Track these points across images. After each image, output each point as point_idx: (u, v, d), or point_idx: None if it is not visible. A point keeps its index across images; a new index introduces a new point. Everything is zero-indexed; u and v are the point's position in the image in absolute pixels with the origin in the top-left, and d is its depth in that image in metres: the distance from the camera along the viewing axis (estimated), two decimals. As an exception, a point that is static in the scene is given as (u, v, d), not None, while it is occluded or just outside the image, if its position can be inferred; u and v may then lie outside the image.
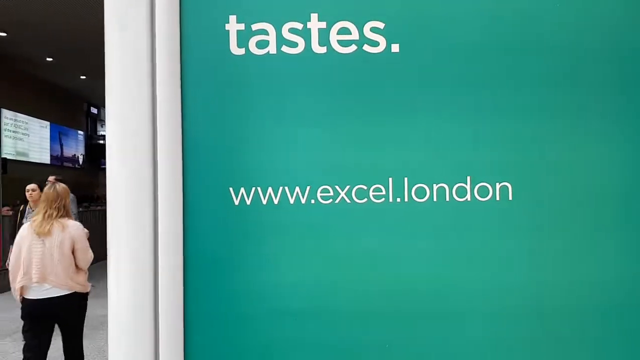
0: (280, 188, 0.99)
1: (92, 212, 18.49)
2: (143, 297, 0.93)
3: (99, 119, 32.32)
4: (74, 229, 3.81)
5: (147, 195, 0.95)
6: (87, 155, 28.42)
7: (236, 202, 0.98)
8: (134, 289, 0.94)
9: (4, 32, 17.63)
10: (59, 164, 26.45)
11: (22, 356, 3.77)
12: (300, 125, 1.02)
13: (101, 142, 30.56)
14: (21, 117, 23.05)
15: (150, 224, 0.94)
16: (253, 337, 0.93)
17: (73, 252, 3.68)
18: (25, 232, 3.72)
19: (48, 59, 20.86)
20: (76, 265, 3.69)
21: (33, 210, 5.67)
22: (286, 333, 0.97)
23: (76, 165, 27.25)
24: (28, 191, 6.60)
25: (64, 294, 3.57)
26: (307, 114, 1.02)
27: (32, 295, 3.59)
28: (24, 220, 6.22)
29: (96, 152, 29.10)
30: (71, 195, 7.32)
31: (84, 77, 23.96)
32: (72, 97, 27.34)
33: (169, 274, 0.94)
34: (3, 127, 22.04)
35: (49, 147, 25.35)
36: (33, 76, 22.84)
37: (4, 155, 21.66)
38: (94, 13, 16.99)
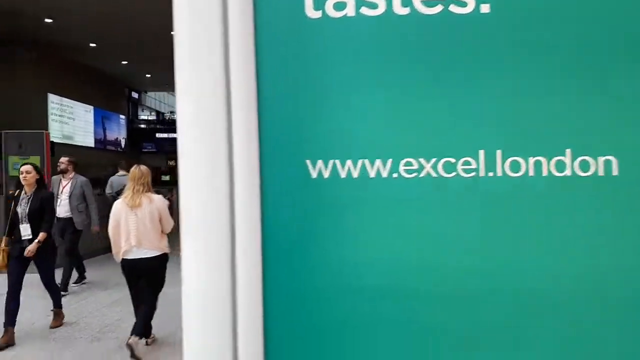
0: (360, 161, 0.91)
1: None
2: (220, 277, 0.88)
3: (140, 103, 32.98)
4: (159, 201, 4.52)
5: (223, 168, 0.90)
6: (128, 139, 29.12)
7: (313, 175, 0.92)
8: (210, 268, 0.89)
9: (50, 18, 18.09)
10: (102, 147, 27.20)
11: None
12: (381, 93, 0.94)
13: (142, 126, 31.28)
14: (66, 101, 23.73)
15: (227, 200, 0.88)
16: (331, 315, 0.87)
17: (159, 220, 4.39)
18: (119, 206, 4.43)
19: (91, 45, 21.33)
20: (161, 231, 4.45)
21: (28, 195, 5.06)
22: (365, 311, 0.90)
23: (118, 149, 27.95)
24: (22, 174, 5.22)
25: (155, 254, 4.34)
26: (389, 81, 0.94)
27: (130, 256, 4.35)
28: (18, 208, 5.17)
29: (137, 135, 29.80)
30: (84, 178, 7.42)
31: (125, 63, 24.44)
32: (114, 82, 27.95)
33: (247, 250, 0.89)
34: (50, 111, 22.76)
35: (92, 131, 26.06)
36: (77, 62, 23.43)
37: (51, 139, 22.34)
38: (133, 2, 17.28)
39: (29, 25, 18.48)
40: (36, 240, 5.25)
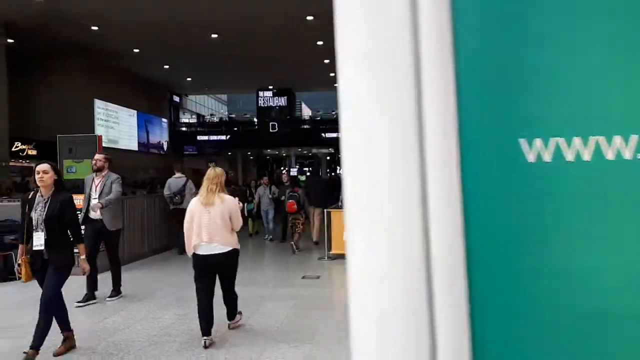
0: (592, 139, 0.67)
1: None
2: (415, 286, 0.65)
3: (181, 107, 33.51)
4: (230, 201, 4.70)
5: (412, 146, 0.67)
6: (170, 142, 29.58)
7: (530, 159, 0.68)
8: (400, 279, 0.66)
9: (96, 26, 18.52)
10: (145, 151, 27.73)
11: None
12: (614, 57, 0.69)
13: (183, 129, 31.75)
14: (112, 106, 24.29)
15: (417, 187, 0.65)
16: (553, 335, 0.63)
17: (230, 219, 4.58)
18: (194, 204, 4.64)
19: (135, 51, 21.74)
20: (232, 229, 4.64)
21: (44, 198, 4.43)
22: (600, 335, 0.66)
23: (161, 152, 28.43)
24: (38, 173, 4.52)
25: (225, 250, 4.52)
26: (621, 42, 0.69)
27: (201, 251, 4.51)
28: (33, 213, 4.51)
29: (179, 138, 30.25)
30: (116, 175, 6.74)
31: (167, 67, 24.83)
32: (156, 86, 28.46)
33: (446, 251, 0.66)
34: (96, 116, 23.33)
35: (136, 135, 26.60)
36: (122, 68, 23.93)
37: (98, 143, 22.91)
38: (177, 5, 17.50)
39: (77, 34, 18.96)
40: (83, 258, 4.74)
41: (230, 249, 4.57)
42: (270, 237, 11.51)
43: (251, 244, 11.11)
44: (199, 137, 30.14)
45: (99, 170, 6.55)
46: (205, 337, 4.50)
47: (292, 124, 29.60)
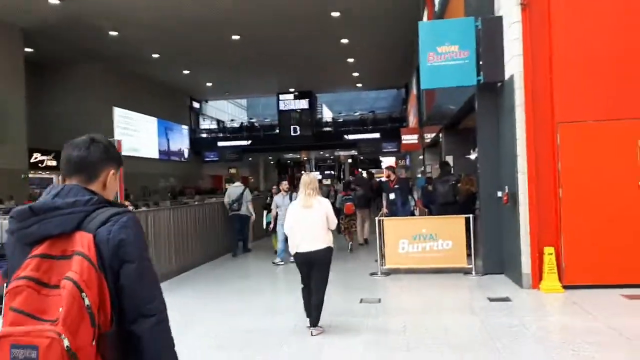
0: None
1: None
2: None
3: (201, 113, 32.63)
4: (325, 203, 5.04)
5: None
6: (191, 149, 28.69)
7: None
8: None
9: (115, 31, 17.67)
10: (166, 158, 26.86)
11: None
12: None
13: (204, 135, 30.85)
14: (131, 114, 23.44)
15: None
16: None
17: (327, 218, 4.91)
18: (295, 208, 5.00)
19: (154, 56, 20.87)
20: (327, 228, 4.96)
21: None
22: None
23: (182, 159, 27.53)
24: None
25: (323, 247, 4.81)
26: None
27: (303, 249, 4.85)
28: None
29: (199, 145, 29.35)
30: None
31: (186, 72, 23.92)
32: (176, 93, 27.54)
33: None
34: (116, 124, 22.51)
35: (157, 142, 25.72)
36: (142, 74, 23.05)
37: (118, 151, 21.99)
38: (197, 7, 16.59)
39: (95, 39, 18.14)
40: None
41: (327, 246, 4.88)
42: (280, 260, 8.81)
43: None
44: (220, 143, 29.21)
45: None
46: (312, 328, 4.79)
47: (313, 127, 28.54)
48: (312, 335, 4.64)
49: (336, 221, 5.06)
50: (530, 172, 5.92)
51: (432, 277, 6.93)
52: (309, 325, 4.78)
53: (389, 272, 7.22)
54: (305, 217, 4.83)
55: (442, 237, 7.00)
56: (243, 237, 10.36)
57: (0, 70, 15.90)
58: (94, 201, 1.40)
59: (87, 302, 1.24)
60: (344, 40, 19.63)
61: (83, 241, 1.32)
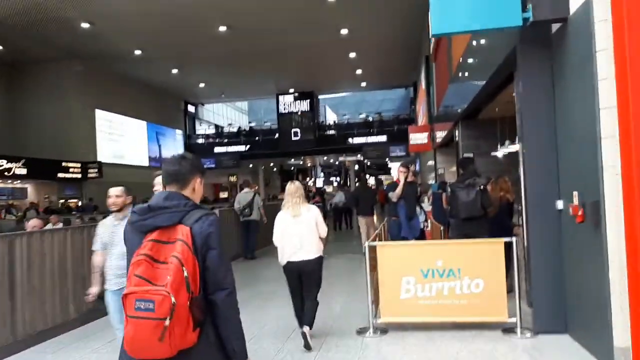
0: None
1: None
2: None
3: (197, 117, 30.23)
4: (314, 210, 4.81)
5: None
6: (186, 155, 26.23)
7: None
8: None
9: (88, 23, 15.36)
10: (157, 165, 24.46)
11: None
12: None
13: (200, 141, 28.43)
14: (116, 117, 21.05)
15: None
16: None
17: (316, 225, 4.68)
18: (282, 217, 4.72)
19: (136, 52, 18.55)
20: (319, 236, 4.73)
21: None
22: None
23: (176, 166, 25.09)
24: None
25: (314, 257, 4.58)
26: None
27: (293, 259, 4.61)
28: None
29: (195, 151, 26.96)
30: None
31: (175, 71, 21.53)
32: (168, 95, 25.19)
33: None
34: (97, 128, 20.16)
35: (146, 148, 23.39)
36: (125, 73, 20.56)
37: (99, 159, 19.73)
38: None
39: (68, 34, 15.86)
40: None
41: (318, 255, 4.62)
42: None
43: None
44: (217, 149, 26.71)
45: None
46: (305, 326, 4.45)
47: (315, 130, 25.92)
48: (306, 333, 4.35)
49: (326, 229, 4.77)
50: (627, 167, 3.26)
51: (454, 337, 4.27)
52: (303, 337, 4.35)
53: (385, 329, 4.55)
54: (295, 226, 4.62)
55: (468, 273, 4.34)
56: (249, 242, 10.44)
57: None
58: (189, 204, 1.91)
59: (185, 273, 1.75)
60: (344, 31, 17.09)
61: (183, 232, 1.82)
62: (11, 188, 18.34)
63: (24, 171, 17.03)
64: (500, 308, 4.32)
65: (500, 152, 8.43)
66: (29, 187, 19.04)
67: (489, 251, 4.37)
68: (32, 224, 6.61)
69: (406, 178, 6.79)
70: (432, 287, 4.37)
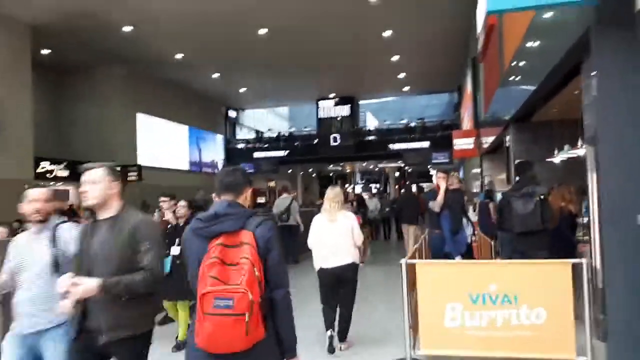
0: None
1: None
2: None
3: (238, 122, 30.16)
4: (351, 217, 4.75)
5: None
6: (226, 160, 26.23)
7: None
8: None
9: (130, 25, 15.36)
10: (197, 170, 24.49)
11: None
12: None
13: (239, 146, 28.30)
14: (157, 121, 21.11)
15: None
16: None
17: (352, 233, 4.63)
18: (319, 221, 4.72)
19: (177, 57, 18.50)
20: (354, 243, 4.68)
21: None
22: None
23: (215, 171, 25.02)
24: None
25: (348, 263, 4.53)
26: None
27: (327, 265, 4.56)
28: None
29: (235, 155, 26.84)
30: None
31: (216, 76, 21.42)
32: (209, 100, 25.19)
33: None
34: (138, 132, 20.25)
35: (187, 152, 23.39)
36: (167, 78, 20.59)
37: (139, 162, 19.82)
38: (221, 3, 14.01)
39: (110, 37, 15.92)
40: None
41: (353, 261, 4.56)
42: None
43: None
44: (256, 154, 26.44)
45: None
46: (331, 329, 4.49)
47: (355, 136, 25.24)
48: (340, 350, 4.33)
49: (362, 236, 4.72)
50: None
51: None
52: (329, 340, 4.35)
53: (425, 361, 3.88)
54: (331, 231, 4.57)
55: (527, 300, 3.59)
56: (288, 247, 10.09)
57: (2, 71, 13.68)
58: (248, 212, 2.14)
59: (256, 273, 1.94)
60: (387, 32, 16.39)
61: (248, 236, 2.03)
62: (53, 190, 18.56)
63: (65, 173, 17.19)
64: (566, 343, 3.55)
65: (558, 158, 7.54)
66: (71, 190, 19.26)
67: (553, 274, 3.61)
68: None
69: (447, 185, 6.05)
70: (483, 316, 3.65)
